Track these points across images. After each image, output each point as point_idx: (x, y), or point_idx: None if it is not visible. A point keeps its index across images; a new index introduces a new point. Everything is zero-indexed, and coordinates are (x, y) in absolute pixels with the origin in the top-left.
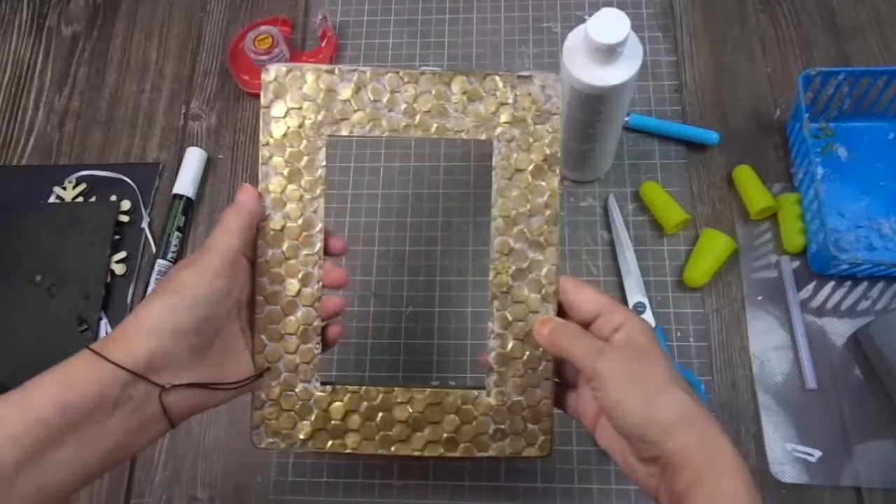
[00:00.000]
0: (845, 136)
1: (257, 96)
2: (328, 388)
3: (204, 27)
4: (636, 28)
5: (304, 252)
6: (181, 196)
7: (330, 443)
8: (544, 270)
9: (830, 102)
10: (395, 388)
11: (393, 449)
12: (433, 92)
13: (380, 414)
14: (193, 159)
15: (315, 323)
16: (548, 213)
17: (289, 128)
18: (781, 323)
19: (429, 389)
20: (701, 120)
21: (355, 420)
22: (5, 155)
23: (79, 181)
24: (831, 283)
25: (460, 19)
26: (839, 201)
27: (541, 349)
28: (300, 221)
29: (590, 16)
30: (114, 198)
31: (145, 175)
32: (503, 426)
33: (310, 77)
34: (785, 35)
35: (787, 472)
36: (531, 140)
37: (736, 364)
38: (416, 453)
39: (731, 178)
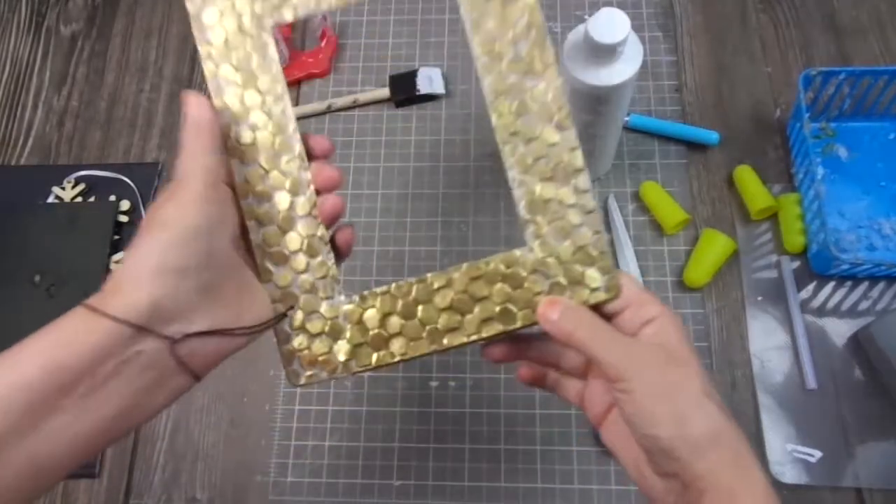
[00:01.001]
0: (846, 136)
1: None
2: (355, 298)
3: None
4: (636, 28)
5: (285, 158)
6: None
7: (375, 356)
8: (549, 95)
9: (831, 102)
10: (428, 275)
11: (446, 341)
12: None
13: (420, 308)
14: None
15: (320, 232)
16: (533, 33)
17: (227, 31)
18: (782, 323)
19: (465, 265)
20: (701, 120)
21: (395, 323)
22: (4, 154)
23: (78, 181)
24: (832, 284)
25: (460, 19)
26: (840, 201)
27: (573, 182)
28: (270, 127)
29: (590, 15)
30: (113, 198)
31: (144, 175)
32: (559, 279)
33: None
34: (785, 35)
35: (787, 472)
36: None
37: (736, 364)
38: (473, 338)
39: (732, 178)
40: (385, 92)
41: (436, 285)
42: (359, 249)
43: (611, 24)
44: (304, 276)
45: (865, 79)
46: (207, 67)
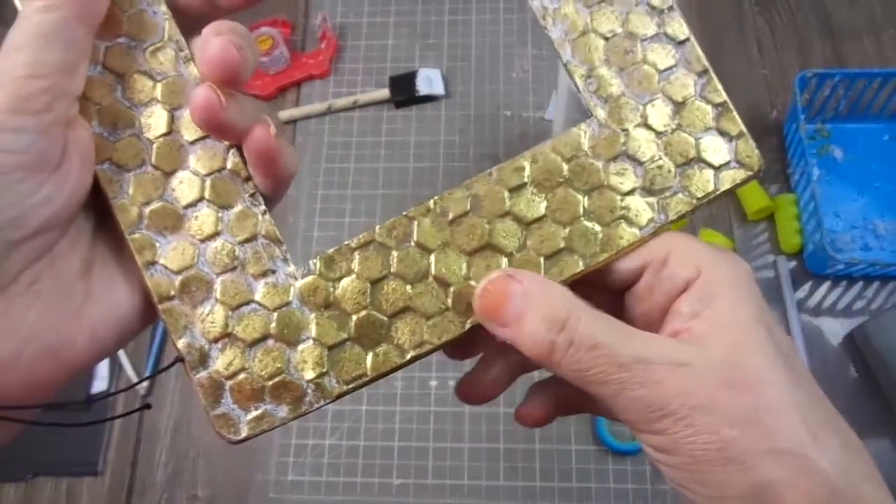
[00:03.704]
0: (841, 137)
1: (257, 97)
2: (314, 264)
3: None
4: None
5: (149, 46)
6: None
7: (370, 358)
8: None
9: (826, 104)
10: (431, 200)
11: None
12: None
13: (432, 256)
14: None
15: (231, 162)
16: None
17: None
18: (778, 322)
19: (494, 169)
20: None
21: (396, 290)
22: None
23: None
24: (827, 283)
25: (460, 20)
26: (835, 202)
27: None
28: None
29: None
30: None
31: None
32: (659, 163)
33: None
34: (781, 37)
35: None
36: None
37: None
38: (566, 275)
39: None
40: (385, 93)
41: (452, 213)
42: None
43: None
44: (215, 244)
45: (860, 81)
46: None
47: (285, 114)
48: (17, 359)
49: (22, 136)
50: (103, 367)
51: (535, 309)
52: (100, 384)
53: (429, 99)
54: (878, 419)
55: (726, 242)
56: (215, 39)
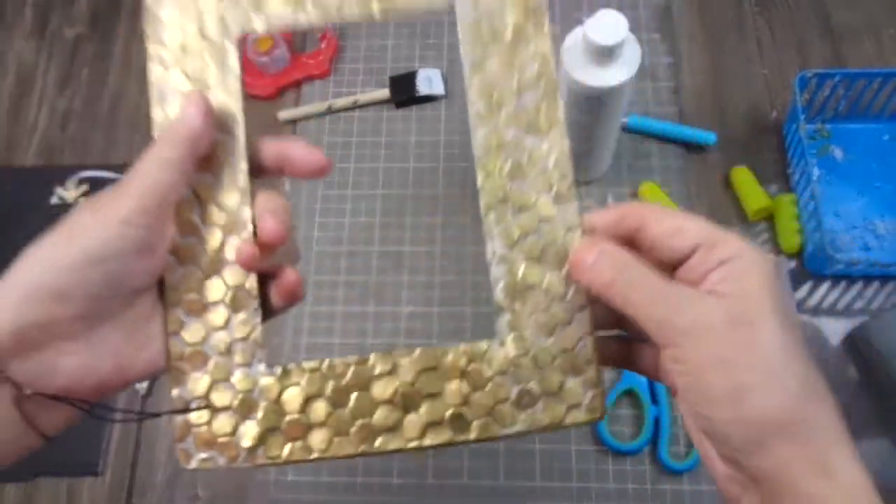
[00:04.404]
0: (841, 137)
1: (257, 98)
2: (278, 370)
3: None
4: (634, 30)
5: (227, 190)
6: None
7: (288, 448)
8: (552, 159)
9: (826, 104)
10: (371, 356)
11: (378, 444)
12: None
13: (353, 395)
14: None
15: (249, 283)
16: (543, 84)
17: (186, 33)
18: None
19: (419, 349)
20: (698, 121)
21: (320, 409)
22: (9, 156)
23: (81, 182)
24: (827, 283)
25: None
26: (835, 202)
27: (565, 269)
28: (217, 150)
29: (588, 17)
30: None
31: None
32: (530, 386)
33: None
34: (781, 37)
35: None
36: None
37: None
38: (413, 444)
39: (729, 178)
40: (385, 93)
41: (378, 370)
42: (359, 250)
43: (609, 26)
44: (220, 334)
45: (860, 81)
46: (154, 70)
47: (285, 114)
48: (98, 368)
49: (140, 230)
50: None
51: (604, 259)
52: None
53: (429, 99)
54: (877, 419)
55: None
56: (270, 219)
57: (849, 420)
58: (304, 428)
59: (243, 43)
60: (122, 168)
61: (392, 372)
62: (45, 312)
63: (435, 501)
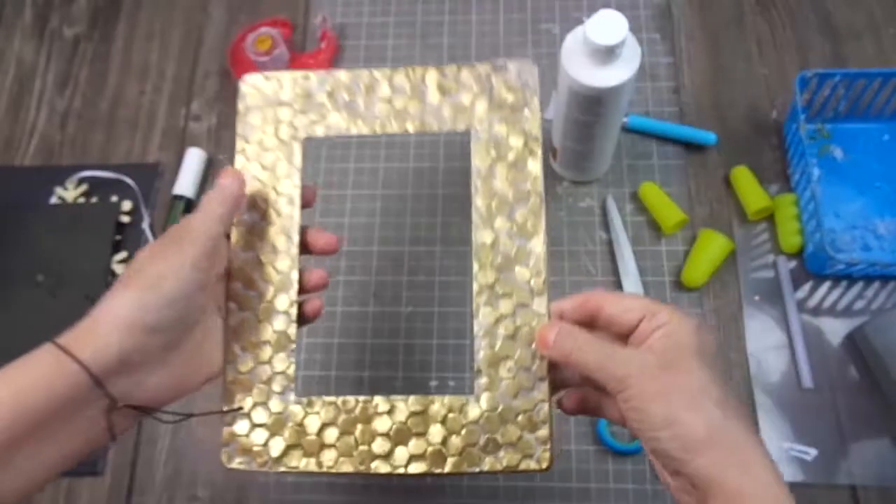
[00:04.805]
0: (841, 137)
1: None
2: (304, 400)
3: (204, 29)
4: (634, 30)
5: (282, 257)
6: (181, 197)
7: (304, 461)
8: (532, 261)
9: (826, 104)
10: (376, 398)
11: (374, 466)
12: (408, 89)
13: (359, 426)
14: (194, 160)
15: (291, 329)
16: (532, 199)
17: (265, 135)
18: (778, 323)
19: (412, 397)
20: (698, 121)
21: (332, 434)
22: (8, 155)
23: (80, 182)
24: (827, 283)
25: (459, 20)
26: (835, 202)
27: (533, 345)
28: (277, 226)
29: (588, 17)
30: (115, 198)
31: (146, 176)
32: (496, 436)
33: (286, 83)
34: (781, 37)
35: (783, 470)
36: (509, 126)
37: (733, 363)
38: (399, 471)
39: (729, 178)
40: None
41: (380, 409)
42: (359, 250)
43: (609, 26)
44: (264, 367)
45: (860, 81)
46: (238, 160)
47: None
48: (170, 385)
49: (202, 273)
50: None
51: (562, 336)
52: None
53: None
54: (877, 419)
55: (727, 243)
56: (314, 271)
57: (850, 419)
58: (318, 447)
59: (240, 42)
60: (121, 168)
61: (390, 412)
62: (140, 343)
63: (435, 502)
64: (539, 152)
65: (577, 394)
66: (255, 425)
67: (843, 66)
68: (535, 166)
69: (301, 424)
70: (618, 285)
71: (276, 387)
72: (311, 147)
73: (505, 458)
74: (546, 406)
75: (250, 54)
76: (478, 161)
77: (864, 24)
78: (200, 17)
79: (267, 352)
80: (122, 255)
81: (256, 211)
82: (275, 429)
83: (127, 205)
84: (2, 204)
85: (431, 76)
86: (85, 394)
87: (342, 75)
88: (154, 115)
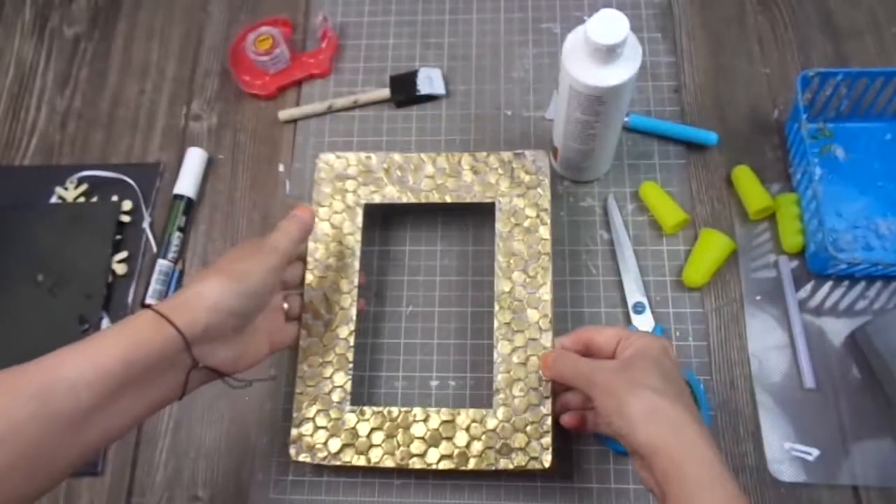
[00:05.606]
0: (843, 136)
1: (258, 97)
2: (357, 409)
3: (204, 28)
4: (635, 29)
5: (344, 296)
6: (182, 196)
7: (356, 458)
8: (541, 305)
9: (828, 103)
10: (414, 408)
11: (411, 463)
12: (447, 169)
13: (400, 431)
14: (194, 159)
15: (350, 354)
16: (542, 257)
17: (334, 201)
18: (780, 322)
19: (444, 409)
20: (700, 120)
21: (378, 436)
22: (8, 155)
23: (80, 181)
24: (829, 283)
25: (460, 20)
26: (837, 201)
27: (540, 370)
28: (341, 272)
29: (589, 17)
30: (115, 198)
31: (146, 175)
32: (509, 442)
33: (352, 161)
34: (783, 36)
35: (785, 470)
36: (526, 200)
37: (735, 363)
38: (432, 467)
39: (730, 178)
40: (385, 92)
41: (417, 417)
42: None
43: (610, 26)
44: (326, 382)
45: (862, 80)
46: (317, 222)
47: (285, 113)
48: (231, 358)
49: (276, 277)
50: None
51: (556, 359)
52: None
53: (429, 98)
54: (879, 419)
55: (728, 242)
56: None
57: (851, 419)
58: (367, 446)
59: (240, 42)
60: (121, 167)
61: (426, 420)
62: (220, 321)
63: (435, 502)
64: (548, 221)
65: (577, 414)
66: (318, 427)
67: (844, 65)
68: (545, 232)
69: (354, 429)
70: (619, 285)
71: (335, 397)
72: (312, 145)
73: (516, 460)
74: (550, 419)
75: (251, 54)
76: (500, 226)
77: (866, 23)
78: (201, 16)
79: (329, 370)
80: (123, 254)
81: (326, 259)
82: (333, 431)
83: (127, 204)
84: (2, 204)
85: (466, 159)
86: (175, 354)
87: (396, 157)
88: (154, 115)
